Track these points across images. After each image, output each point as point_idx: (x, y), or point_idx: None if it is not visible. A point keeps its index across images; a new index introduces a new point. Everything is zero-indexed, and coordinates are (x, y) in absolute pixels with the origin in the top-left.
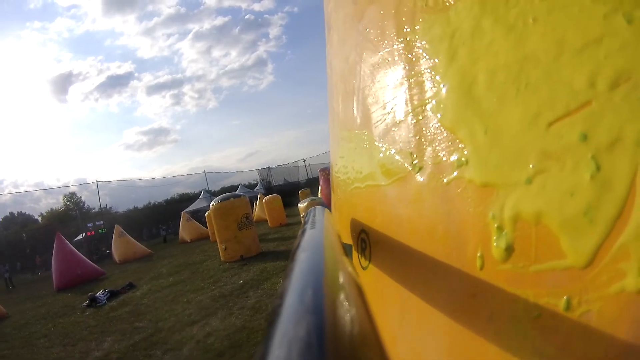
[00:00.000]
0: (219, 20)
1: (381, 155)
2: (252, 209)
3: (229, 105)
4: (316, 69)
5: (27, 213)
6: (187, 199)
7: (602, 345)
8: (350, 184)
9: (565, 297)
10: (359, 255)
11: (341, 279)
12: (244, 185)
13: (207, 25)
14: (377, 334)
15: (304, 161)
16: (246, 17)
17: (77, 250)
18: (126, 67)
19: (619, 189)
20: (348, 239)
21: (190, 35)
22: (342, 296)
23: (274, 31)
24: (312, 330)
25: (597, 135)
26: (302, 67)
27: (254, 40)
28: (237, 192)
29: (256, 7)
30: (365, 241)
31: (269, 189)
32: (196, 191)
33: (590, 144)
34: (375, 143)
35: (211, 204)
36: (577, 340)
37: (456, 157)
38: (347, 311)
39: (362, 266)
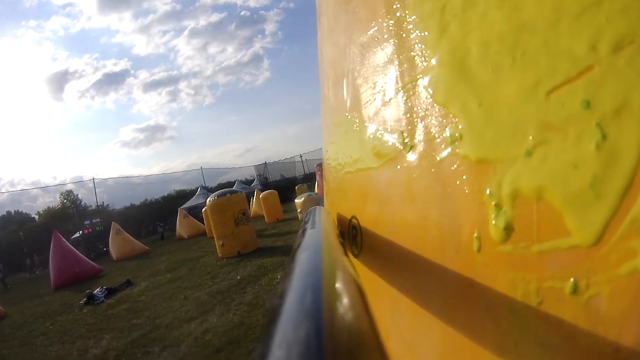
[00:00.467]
0: (215, 17)
1: (371, 136)
2: (249, 205)
3: (225, 101)
4: (313, 65)
5: (24, 212)
6: (184, 195)
7: (613, 332)
8: (341, 169)
9: (571, 280)
10: (351, 243)
11: (341, 280)
12: (241, 181)
13: (202, 21)
14: (377, 335)
15: (301, 157)
16: (242, 13)
17: (74, 248)
18: (122, 65)
19: (627, 158)
20: (340, 226)
21: (186, 32)
22: (342, 296)
23: (269, 27)
24: (310, 331)
25: (602, 101)
26: (298, 63)
27: (249, 37)
28: (233, 188)
29: (252, 3)
30: (357, 228)
31: (265, 185)
32: (193, 187)
33: (595, 111)
34: (366, 124)
35: (208, 200)
36: (584, 327)
37: (449, 133)
38: (346, 312)
39: (353, 254)
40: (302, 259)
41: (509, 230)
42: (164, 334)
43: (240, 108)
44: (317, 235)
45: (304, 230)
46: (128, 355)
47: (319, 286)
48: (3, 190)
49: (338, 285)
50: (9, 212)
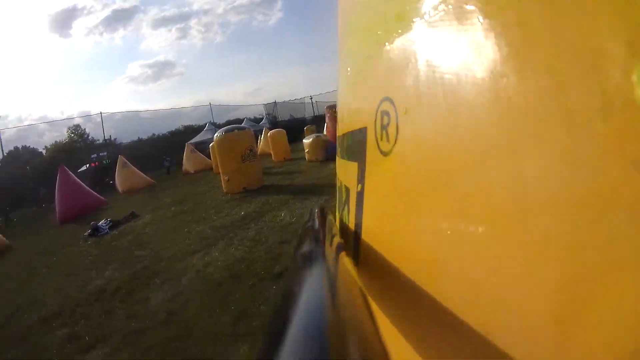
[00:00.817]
0: None
1: None
2: (257, 143)
3: (236, 40)
4: (326, 8)
5: (31, 147)
6: (191, 131)
7: None
8: (373, 41)
9: None
10: (379, 136)
11: (344, 284)
12: (250, 119)
13: None
14: (380, 339)
15: (311, 98)
16: None
17: (80, 182)
18: (132, 1)
19: None
20: (361, 123)
21: None
22: (345, 304)
23: None
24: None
25: None
26: (311, 5)
27: None
28: (242, 125)
29: None
30: (389, 114)
31: (274, 124)
32: (201, 123)
33: None
34: None
35: (215, 135)
36: None
37: None
38: (350, 321)
39: (381, 151)
40: (305, 262)
41: None
42: (166, 267)
43: (251, 47)
44: (318, 237)
45: (306, 231)
46: (130, 287)
47: (324, 292)
48: (11, 126)
49: (341, 290)
50: (16, 148)
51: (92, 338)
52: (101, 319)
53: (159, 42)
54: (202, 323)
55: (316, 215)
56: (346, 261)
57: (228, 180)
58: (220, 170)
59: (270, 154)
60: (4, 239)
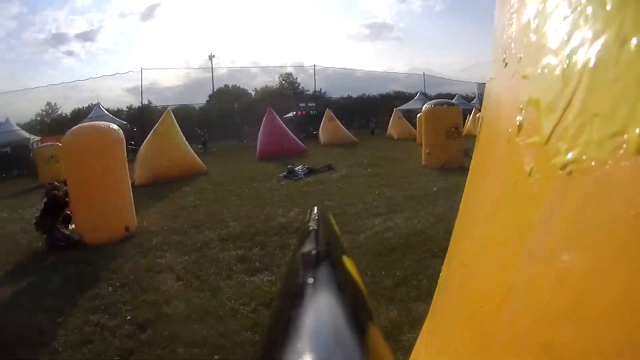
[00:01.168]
0: None
1: None
2: (464, 122)
3: (456, 10)
4: None
5: (241, 87)
6: (402, 97)
7: None
8: None
9: None
10: None
11: (344, 281)
12: (461, 96)
13: None
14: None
15: None
16: None
17: (285, 126)
18: None
19: None
20: None
21: None
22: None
23: None
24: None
25: None
26: None
27: None
28: (452, 101)
29: None
30: None
31: None
32: (412, 92)
33: None
34: None
35: (424, 106)
36: None
37: None
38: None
39: None
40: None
41: None
42: (349, 220)
43: (472, 19)
44: (319, 236)
45: (306, 231)
46: None
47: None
48: (223, 66)
49: (341, 286)
50: (226, 86)
51: (262, 264)
52: (275, 250)
53: (377, 4)
54: (365, 280)
55: (316, 215)
56: (346, 259)
57: (428, 154)
58: (423, 142)
59: (475, 136)
60: (203, 165)
